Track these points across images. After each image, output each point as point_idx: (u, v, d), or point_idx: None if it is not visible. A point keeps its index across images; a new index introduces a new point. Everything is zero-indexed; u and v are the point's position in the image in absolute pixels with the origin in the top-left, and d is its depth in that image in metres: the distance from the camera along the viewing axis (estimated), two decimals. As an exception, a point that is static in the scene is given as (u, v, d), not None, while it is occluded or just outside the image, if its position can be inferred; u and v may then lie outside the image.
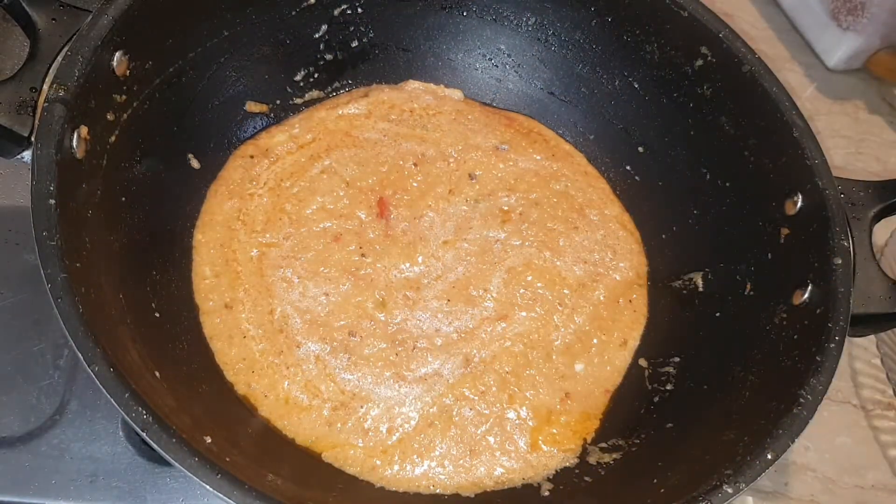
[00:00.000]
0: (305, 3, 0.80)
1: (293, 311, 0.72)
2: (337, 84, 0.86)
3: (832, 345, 0.60)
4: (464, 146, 0.85)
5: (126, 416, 0.48)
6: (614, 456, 0.69)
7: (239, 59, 0.78)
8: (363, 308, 0.73)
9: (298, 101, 0.84)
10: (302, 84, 0.84)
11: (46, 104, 0.56)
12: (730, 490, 0.53)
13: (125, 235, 0.63)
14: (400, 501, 0.66)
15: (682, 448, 0.65)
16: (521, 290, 0.77)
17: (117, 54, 0.61)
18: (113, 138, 0.62)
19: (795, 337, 0.64)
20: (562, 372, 0.74)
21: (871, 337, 0.79)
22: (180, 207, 0.74)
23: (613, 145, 0.87)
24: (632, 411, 0.73)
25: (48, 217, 0.52)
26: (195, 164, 0.75)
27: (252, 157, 0.79)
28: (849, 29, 1.07)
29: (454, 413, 0.70)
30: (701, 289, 0.78)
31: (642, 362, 0.76)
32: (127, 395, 0.48)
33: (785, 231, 0.70)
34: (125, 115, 0.64)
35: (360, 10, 0.83)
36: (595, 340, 0.76)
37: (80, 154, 0.57)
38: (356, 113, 0.85)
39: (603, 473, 0.67)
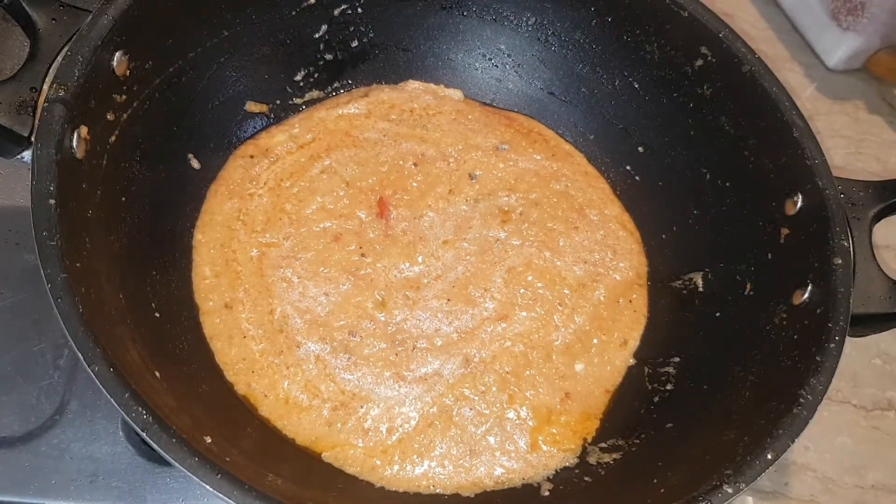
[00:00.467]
0: (305, 3, 0.80)
1: (293, 311, 0.72)
2: (337, 84, 0.86)
3: (832, 345, 0.60)
4: (464, 146, 0.85)
5: (126, 416, 0.48)
6: (614, 456, 0.69)
7: (239, 59, 0.78)
8: (363, 308, 0.73)
9: (298, 101, 0.84)
10: (302, 84, 0.84)
11: (46, 104, 0.56)
12: (730, 490, 0.53)
13: (125, 235, 0.63)
14: (400, 501, 0.66)
15: (682, 448, 0.65)
16: (522, 290, 0.77)
17: (117, 54, 0.61)
18: (113, 138, 0.62)
19: (795, 337, 0.64)
20: (562, 372, 0.74)
21: (872, 337, 0.79)
22: (180, 207, 0.74)
23: (613, 145, 0.87)
24: (632, 411, 0.73)
25: (48, 217, 0.52)
26: (195, 164, 0.75)
27: (252, 157, 0.79)
28: (849, 29, 1.07)
29: (454, 413, 0.70)
30: (701, 289, 0.78)
31: (642, 362, 0.76)
32: (127, 395, 0.48)
33: (785, 231, 0.70)
34: (125, 115, 0.64)
35: (360, 10, 0.83)
36: (595, 340, 0.76)
37: (80, 154, 0.57)
38: (356, 113, 0.85)
39: (603, 473, 0.67)
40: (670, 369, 0.74)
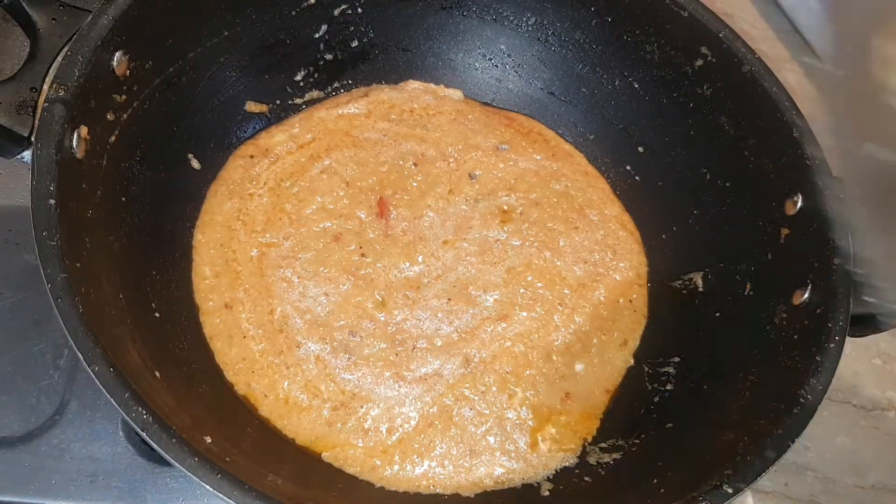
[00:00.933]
0: (305, 3, 0.80)
1: (293, 311, 0.72)
2: (337, 84, 0.86)
3: (832, 345, 0.60)
4: (464, 146, 0.85)
5: (126, 416, 0.48)
6: (614, 456, 0.69)
7: (239, 59, 0.78)
8: (363, 308, 0.73)
9: (298, 101, 0.84)
10: (302, 84, 0.84)
11: (46, 104, 0.56)
12: (730, 490, 0.53)
13: (125, 235, 0.63)
14: (400, 501, 0.66)
15: (682, 448, 0.65)
16: (522, 290, 0.77)
17: (117, 54, 0.61)
18: (113, 138, 0.62)
19: (795, 337, 0.64)
20: (562, 372, 0.74)
21: (872, 337, 0.79)
22: (180, 207, 0.74)
23: (613, 145, 0.87)
24: (632, 411, 0.73)
25: (48, 217, 0.52)
26: (195, 164, 0.75)
27: (252, 157, 0.79)
28: (849, 29, 1.07)
29: (454, 413, 0.70)
30: (701, 289, 0.78)
31: (642, 362, 0.76)
32: (127, 395, 0.48)
33: (785, 231, 0.70)
34: (125, 115, 0.64)
35: (359, 10, 0.83)
36: (595, 340, 0.76)
37: (80, 154, 0.57)
38: (356, 113, 0.85)
39: (603, 473, 0.67)
40: (670, 369, 0.74)
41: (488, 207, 0.82)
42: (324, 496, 0.62)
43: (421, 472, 0.67)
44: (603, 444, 0.70)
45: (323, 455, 0.66)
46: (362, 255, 0.76)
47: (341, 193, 0.79)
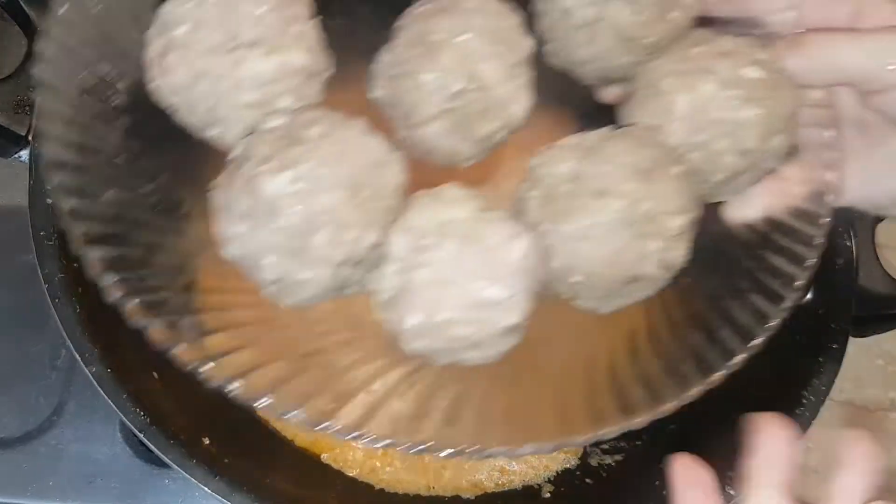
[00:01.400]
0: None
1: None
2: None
3: (834, 345, 0.60)
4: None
5: (124, 418, 0.48)
6: (616, 458, 0.68)
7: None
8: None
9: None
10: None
11: (44, 103, 0.55)
12: (731, 491, 0.53)
13: (123, 235, 0.63)
14: (400, 503, 0.65)
15: (684, 449, 0.65)
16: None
17: (116, 53, 0.61)
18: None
19: (797, 337, 0.64)
20: (562, 373, 0.74)
21: (874, 337, 0.79)
22: (179, 207, 0.73)
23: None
24: (633, 412, 0.72)
25: (46, 217, 0.51)
26: (194, 163, 0.75)
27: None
28: (850, 29, 1.07)
29: (454, 414, 0.70)
30: (702, 289, 0.77)
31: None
32: (125, 396, 0.48)
33: (786, 231, 0.69)
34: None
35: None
36: (596, 341, 0.76)
37: (78, 153, 0.57)
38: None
39: (604, 475, 0.67)
40: (671, 370, 0.74)
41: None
42: (323, 498, 0.62)
43: (421, 474, 0.67)
44: (604, 446, 0.70)
45: (322, 456, 0.66)
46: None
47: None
